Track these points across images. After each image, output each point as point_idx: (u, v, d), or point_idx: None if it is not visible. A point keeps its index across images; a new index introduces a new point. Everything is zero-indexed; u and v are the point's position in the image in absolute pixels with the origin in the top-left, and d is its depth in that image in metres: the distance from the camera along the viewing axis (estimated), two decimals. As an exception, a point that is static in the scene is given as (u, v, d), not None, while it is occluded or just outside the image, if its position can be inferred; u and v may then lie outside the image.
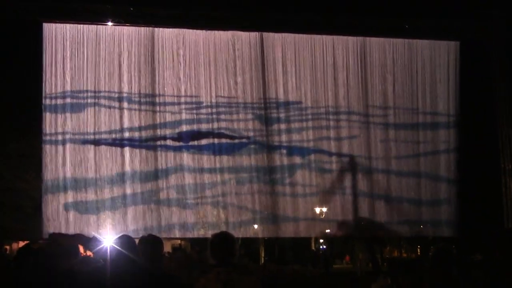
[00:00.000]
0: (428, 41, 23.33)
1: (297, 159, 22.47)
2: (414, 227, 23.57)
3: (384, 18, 22.01)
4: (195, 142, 21.86)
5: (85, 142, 20.87)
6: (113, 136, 21.18)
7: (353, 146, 22.81)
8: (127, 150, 21.14)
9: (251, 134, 22.26)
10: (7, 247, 21.70)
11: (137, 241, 6.03)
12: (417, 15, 21.81)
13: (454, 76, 23.34)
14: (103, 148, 21.01)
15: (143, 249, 5.82)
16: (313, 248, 33.18)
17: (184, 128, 21.85)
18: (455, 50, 23.44)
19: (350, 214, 22.58)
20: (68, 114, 20.84)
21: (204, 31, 21.92)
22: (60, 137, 20.70)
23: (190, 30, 21.88)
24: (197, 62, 21.96)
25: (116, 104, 21.30)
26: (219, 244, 5.29)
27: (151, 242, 6.09)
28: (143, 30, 21.59)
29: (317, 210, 22.58)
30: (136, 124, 21.38)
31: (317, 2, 20.73)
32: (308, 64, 22.72)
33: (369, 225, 22.78)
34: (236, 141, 22.15)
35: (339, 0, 20.56)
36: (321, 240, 33.23)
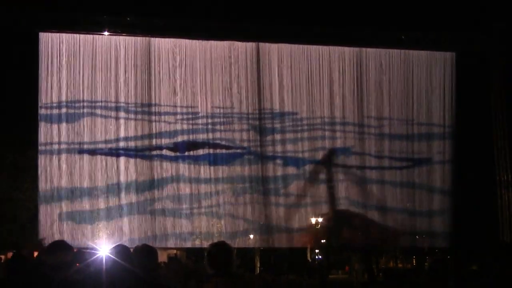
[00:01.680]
0: (424, 52, 23.38)
1: (293, 170, 22.46)
2: (409, 238, 23.59)
3: (381, 29, 22.08)
4: (191, 153, 21.85)
5: (80, 152, 20.83)
6: (109, 146, 21.16)
7: (348, 157, 22.82)
8: (122, 160, 21.11)
9: (246, 144, 22.24)
10: (2, 257, 21.59)
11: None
12: (414, 26, 21.89)
13: (449, 87, 23.37)
14: (98, 158, 20.99)
15: (138, 259, 5.80)
16: (309, 258, 33.15)
17: (180, 138, 21.83)
18: (451, 61, 23.48)
19: (345, 225, 22.60)
20: (63, 124, 20.83)
21: (200, 41, 21.94)
22: (55, 147, 20.65)
23: (187, 40, 21.88)
24: (193, 72, 21.95)
25: (112, 113, 21.28)
26: (217, 254, 5.29)
27: (145, 252, 6.08)
28: (140, 40, 21.59)
29: (313, 220, 22.57)
30: (132, 134, 21.35)
31: (313, 13, 20.79)
32: (304, 75, 22.73)
33: (365, 235, 22.79)
34: (232, 151, 22.13)
35: (336, 11, 20.60)
36: (317, 250, 33.21)
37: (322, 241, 23.00)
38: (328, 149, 22.79)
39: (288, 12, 20.85)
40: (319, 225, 22.51)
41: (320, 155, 22.66)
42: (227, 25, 21.36)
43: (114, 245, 5.88)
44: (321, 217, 22.65)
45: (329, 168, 22.70)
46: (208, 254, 5.39)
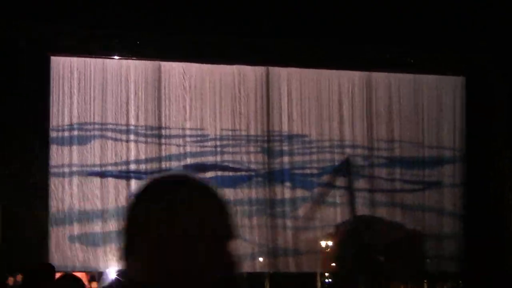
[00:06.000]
0: (434, 76, 23.37)
1: (301, 192, 22.42)
2: (419, 262, 23.46)
3: (390, 53, 22.15)
4: (200, 175, 21.82)
5: (91, 174, 20.90)
6: (119, 168, 21.22)
7: (358, 180, 22.77)
8: (133, 182, 21.16)
9: (255, 167, 22.23)
10: (11, 278, 21.58)
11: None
12: (423, 49, 21.92)
13: (460, 111, 23.31)
14: (109, 180, 21.04)
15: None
16: (319, 282, 32.95)
17: (189, 161, 21.87)
18: (461, 85, 23.45)
19: (353, 248, 22.52)
20: (74, 147, 20.91)
21: (210, 64, 22.03)
22: (66, 170, 20.73)
23: (196, 64, 21.98)
24: (203, 95, 22.00)
25: (123, 136, 21.36)
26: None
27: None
28: (150, 63, 21.70)
29: (323, 244, 22.49)
30: (142, 157, 21.42)
31: (323, 36, 20.87)
32: (313, 97, 22.73)
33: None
34: (240, 174, 22.12)
35: (346, 34, 20.67)
36: (327, 274, 33.03)
37: (332, 264, 22.89)
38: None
39: (299, 35, 20.91)
40: (329, 249, 22.41)
41: (328, 177, 22.62)
42: (237, 48, 21.50)
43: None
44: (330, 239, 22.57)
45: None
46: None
